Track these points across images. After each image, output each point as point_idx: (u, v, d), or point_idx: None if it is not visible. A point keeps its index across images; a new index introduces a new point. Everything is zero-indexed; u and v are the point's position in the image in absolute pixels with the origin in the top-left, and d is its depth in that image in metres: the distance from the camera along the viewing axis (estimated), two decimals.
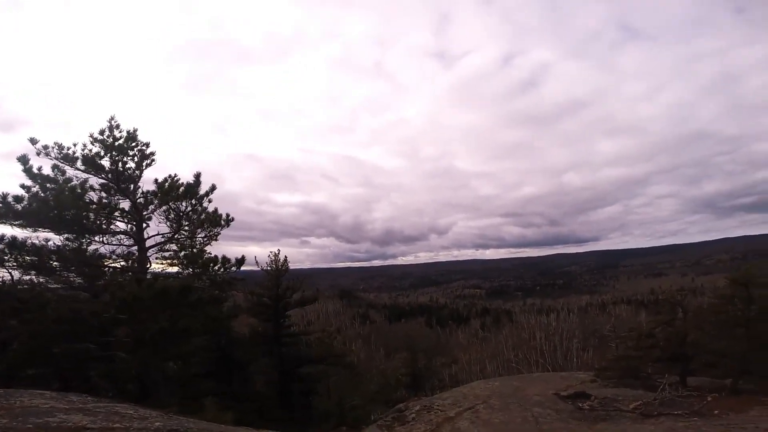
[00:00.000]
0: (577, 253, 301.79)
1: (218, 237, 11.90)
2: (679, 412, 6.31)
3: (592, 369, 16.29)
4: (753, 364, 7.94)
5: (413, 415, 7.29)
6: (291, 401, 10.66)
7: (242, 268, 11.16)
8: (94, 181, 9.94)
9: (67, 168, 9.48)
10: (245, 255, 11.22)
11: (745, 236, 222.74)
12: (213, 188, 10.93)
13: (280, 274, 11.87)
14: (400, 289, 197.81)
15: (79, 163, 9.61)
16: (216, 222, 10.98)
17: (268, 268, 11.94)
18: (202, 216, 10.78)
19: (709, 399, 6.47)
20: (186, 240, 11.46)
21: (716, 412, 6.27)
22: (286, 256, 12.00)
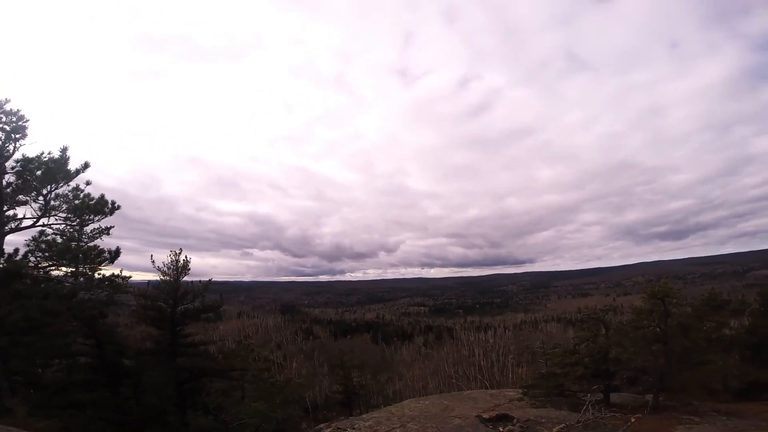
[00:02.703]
0: (514, 273, 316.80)
1: (110, 230, 10.10)
2: None
3: (524, 383, 16.19)
4: (671, 379, 7.87)
5: None
6: (184, 415, 9.20)
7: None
8: None
9: None
10: (119, 247, 9.68)
11: (659, 261, 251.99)
12: (86, 166, 9.11)
13: (179, 277, 10.21)
14: (347, 305, 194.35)
15: None
16: (97, 210, 9.18)
17: (166, 268, 10.22)
18: (76, 201, 8.94)
19: (633, 420, 6.08)
20: (69, 230, 9.52)
21: None
22: (187, 257, 10.38)
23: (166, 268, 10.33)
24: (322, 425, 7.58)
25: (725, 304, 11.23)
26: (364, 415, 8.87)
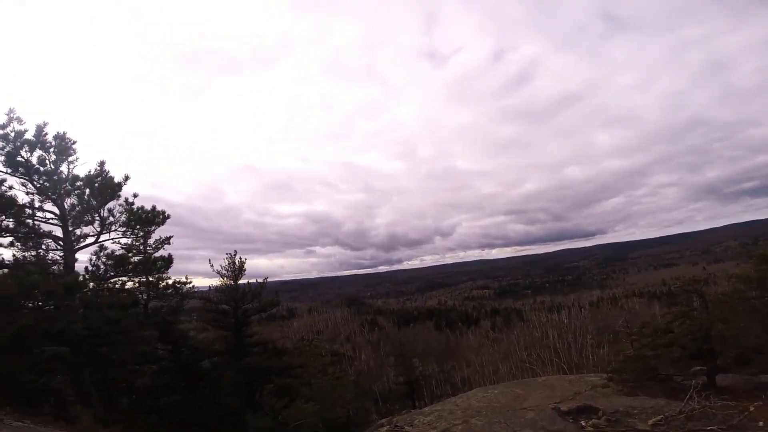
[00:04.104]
0: (584, 247, 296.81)
1: (170, 240, 10.70)
2: (713, 427, 4.81)
3: (608, 367, 14.69)
4: None
5: None
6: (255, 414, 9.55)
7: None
8: (14, 181, 8.72)
9: None
10: (172, 254, 10.28)
11: (752, 221, 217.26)
12: (126, 178, 9.62)
13: (237, 278, 10.59)
14: (407, 294, 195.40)
15: None
16: (149, 221, 9.74)
17: (225, 272, 10.63)
18: (123, 214, 9.53)
19: (752, 408, 4.95)
20: (134, 243, 10.25)
21: (761, 424, 4.76)
22: (242, 258, 10.73)
23: (224, 271, 10.79)
24: (383, 420, 7.32)
25: None
26: (425, 408, 8.47)
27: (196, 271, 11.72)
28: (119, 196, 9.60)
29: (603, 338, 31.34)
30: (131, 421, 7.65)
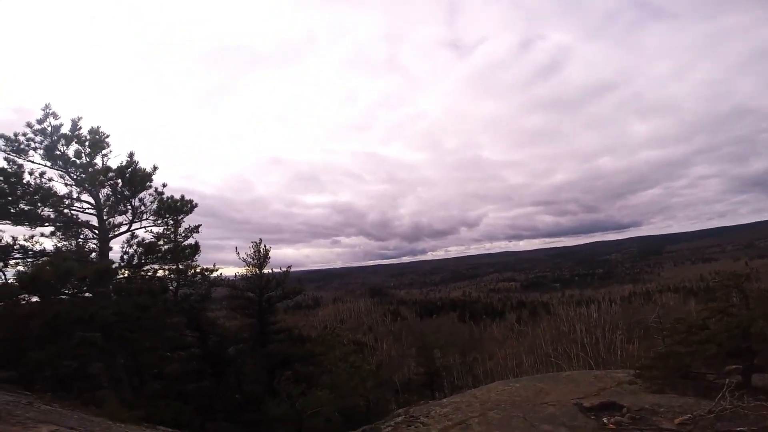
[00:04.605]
0: (617, 240, 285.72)
1: (199, 228, 11.04)
2: (743, 428, 4.52)
3: (637, 363, 14.15)
4: None
5: (388, 430, 5.89)
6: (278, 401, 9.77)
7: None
8: (53, 173, 9.25)
9: (18, 159, 8.83)
10: (200, 243, 10.50)
11: None
12: (155, 169, 10.01)
13: (262, 266, 10.82)
14: (431, 285, 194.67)
15: (32, 154, 8.92)
16: (178, 209, 10.09)
17: (250, 260, 10.87)
18: (154, 203, 9.89)
19: None
20: (165, 231, 10.67)
21: None
22: (266, 246, 10.94)
23: (250, 259, 11.05)
24: (400, 410, 7.34)
25: None
26: (444, 400, 8.43)
27: (225, 260, 12.07)
28: (150, 186, 10.01)
29: (633, 334, 30.25)
30: (156, 406, 7.98)
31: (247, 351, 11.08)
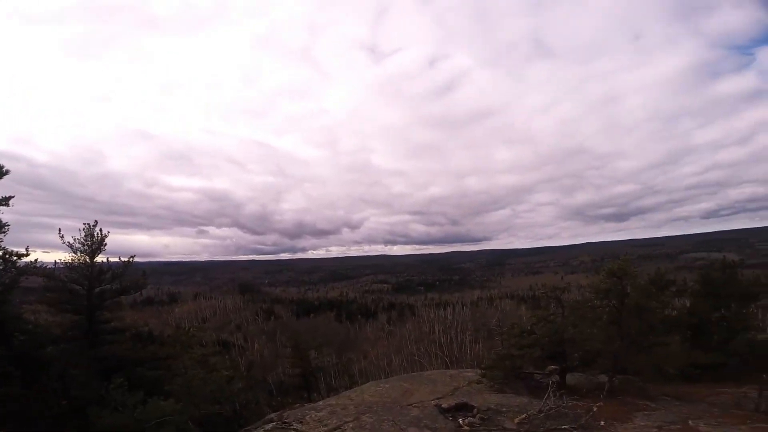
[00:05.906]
0: (471, 251, 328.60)
1: (9, 201, 8.54)
2: (566, 426, 5.67)
3: (483, 362, 16.41)
4: (627, 362, 7.96)
5: None
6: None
7: None
8: None
9: None
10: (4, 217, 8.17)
11: (603, 241, 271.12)
12: None
13: (94, 254, 8.96)
14: (309, 284, 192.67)
15: None
16: None
17: (79, 246, 8.89)
18: None
19: (595, 409, 5.97)
20: None
21: (602, 423, 5.76)
22: (102, 230, 9.09)
23: (78, 245, 9.03)
24: (272, 414, 6.98)
25: (669, 284, 11.65)
26: (319, 403, 8.39)
27: (52, 243, 9.45)
28: None
29: (479, 335, 34.91)
30: None
31: (75, 352, 9.06)
